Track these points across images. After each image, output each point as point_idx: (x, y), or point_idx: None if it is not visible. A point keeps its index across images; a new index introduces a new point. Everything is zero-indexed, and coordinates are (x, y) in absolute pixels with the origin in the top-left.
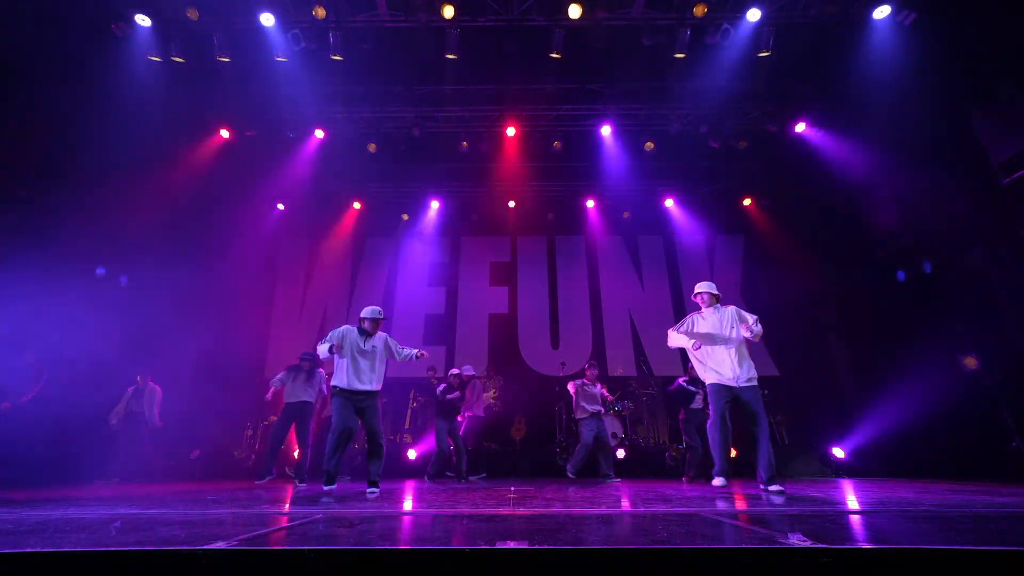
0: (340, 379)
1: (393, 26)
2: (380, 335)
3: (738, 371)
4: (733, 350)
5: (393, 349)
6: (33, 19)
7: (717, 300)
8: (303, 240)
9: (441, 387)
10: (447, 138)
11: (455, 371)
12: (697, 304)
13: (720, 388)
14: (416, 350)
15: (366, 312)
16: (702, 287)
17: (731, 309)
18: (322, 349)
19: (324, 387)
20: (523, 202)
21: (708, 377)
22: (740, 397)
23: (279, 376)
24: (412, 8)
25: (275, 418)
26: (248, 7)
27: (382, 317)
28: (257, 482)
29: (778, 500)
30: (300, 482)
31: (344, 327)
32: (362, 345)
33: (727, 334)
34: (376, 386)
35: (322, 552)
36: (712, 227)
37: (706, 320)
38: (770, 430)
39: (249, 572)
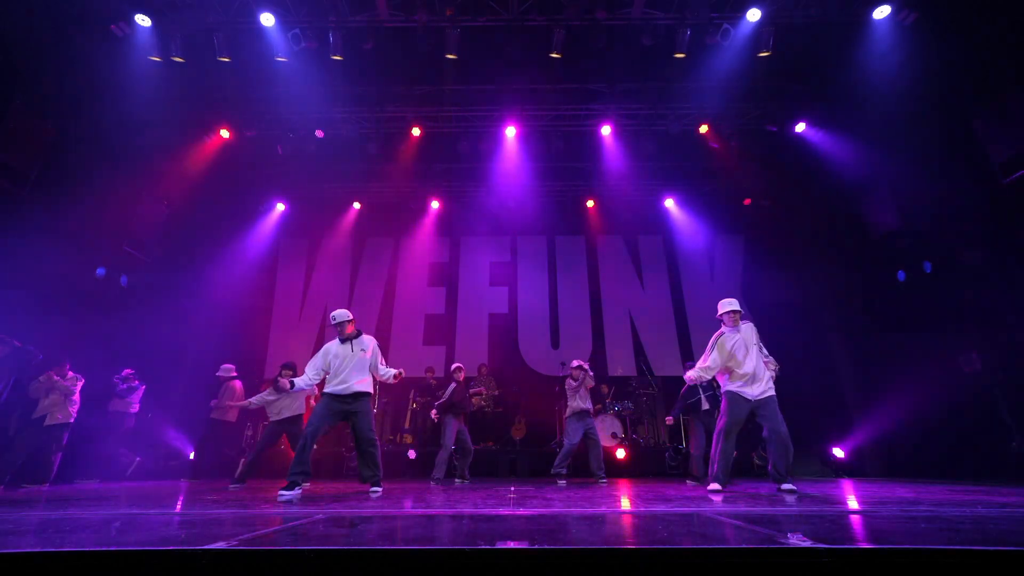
0: (327, 385)
1: (393, 26)
2: (368, 339)
3: (752, 386)
4: (751, 367)
5: (375, 361)
6: (33, 19)
7: (740, 317)
8: (303, 240)
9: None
10: (447, 138)
11: (459, 366)
12: (721, 320)
13: (738, 398)
14: (394, 371)
15: (342, 315)
16: (726, 306)
17: (748, 326)
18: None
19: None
20: (523, 202)
21: (729, 387)
22: (757, 410)
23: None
24: (412, 8)
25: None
26: (248, 7)
27: (350, 319)
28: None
29: (788, 499)
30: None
31: (325, 346)
32: (349, 350)
33: (749, 351)
34: (360, 388)
35: (322, 552)
36: (712, 227)
37: (731, 340)
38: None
39: (249, 572)
